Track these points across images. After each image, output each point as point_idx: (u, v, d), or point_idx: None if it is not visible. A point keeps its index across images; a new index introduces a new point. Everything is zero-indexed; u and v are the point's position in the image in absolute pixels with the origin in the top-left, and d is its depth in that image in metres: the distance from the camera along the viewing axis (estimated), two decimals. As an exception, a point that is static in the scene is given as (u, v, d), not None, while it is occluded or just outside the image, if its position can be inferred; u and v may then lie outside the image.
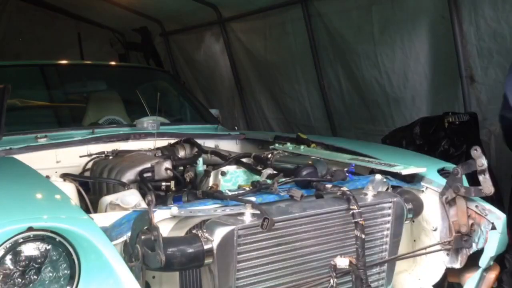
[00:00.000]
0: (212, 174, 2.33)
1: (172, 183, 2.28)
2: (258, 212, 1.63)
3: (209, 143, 2.97)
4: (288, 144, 2.72)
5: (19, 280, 1.47)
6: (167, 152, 2.62)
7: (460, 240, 2.03)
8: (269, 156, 2.42)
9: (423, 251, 2.10)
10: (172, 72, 6.53)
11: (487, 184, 1.93)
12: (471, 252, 2.03)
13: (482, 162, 1.92)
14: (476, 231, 2.01)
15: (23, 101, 3.54)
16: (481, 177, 1.94)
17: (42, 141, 2.65)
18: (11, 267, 1.46)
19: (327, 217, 1.78)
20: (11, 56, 6.66)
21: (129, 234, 1.57)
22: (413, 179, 2.14)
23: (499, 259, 2.11)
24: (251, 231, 1.63)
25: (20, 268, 1.47)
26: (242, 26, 5.57)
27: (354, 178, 2.07)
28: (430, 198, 2.12)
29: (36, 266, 1.49)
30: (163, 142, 2.85)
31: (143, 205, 1.92)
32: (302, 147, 2.64)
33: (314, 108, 4.98)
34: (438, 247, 2.07)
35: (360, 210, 1.75)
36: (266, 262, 1.70)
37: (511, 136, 2.65)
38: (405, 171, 2.06)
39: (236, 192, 1.85)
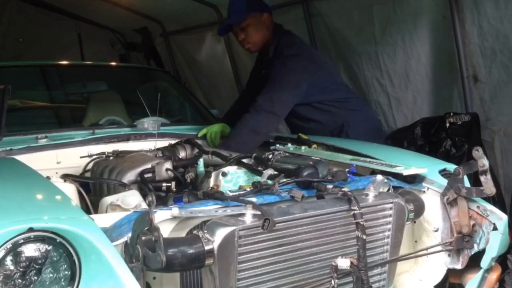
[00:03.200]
0: (213, 174, 2.33)
1: (173, 184, 2.28)
2: (259, 212, 1.63)
3: (209, 144, 2.97)
4: (289, 144, 2.72)
5: (20, 281, 1.47)
6: (168, 153, 2.61)
7: (461, 241, 2.02)
8: (270, 156, 2.41)
9: (425, 252, 2.09)
10: (172, 72, 6.53)
11: (488, 185, 1.92)
12: (472, 253, 2.02)
13: (483, 162, 1.92)
14: (477, 232, 2.01)
15: (23, 101, 3.54)
16: (482, 178, 1.93)
17: (43, 141, 2.65)
18: (12, 268, 1.46)
19: (328, 217, 1.78)
20: (11, 57, 6.66)
21: (129, 235, 1.57)
22: (414, 179, 2.14)
23: (500, 259, 2.11)
24: (252, 231, 1.63)
25: (21, 269, 1.47)
26: (243, 26, 5.55)
27: (355, 179, 2.07)
28: (431, 198, 2.11)
29: (37, 267, 1.49)
30: (163, 143, 2.85)
31: (144, 206, 1.91)
32: (303, 147, 2.64)
33: (315, 108, 4.98)
34: (440, 247, 2.07)
35: (361, 211, 1.75)
36: (267, 263, 1.69)
37: None
38: (406, 171, 2.06)
39: (237, 193, 1.85)
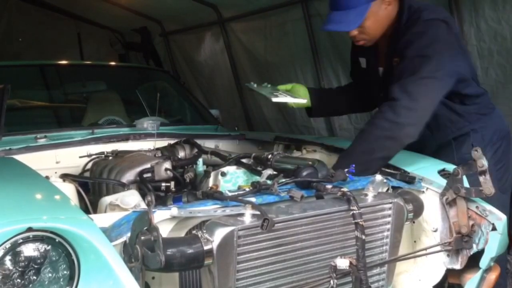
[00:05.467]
0: (212, 174, 2.33)
1: (172, 184, 2.28)
2: (258, 212, 1.63)
3: (209, 144, 2.97)
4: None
5: (19, 280, 1.46)
6: (167, 153, 2.61)
7: (460, 241, 2.02)
8: (269, 156, 2.42)
9: (424, 252, 2.09)
10: (172, 72, 6.53)
11: (487, 185, 1.92)
12: (471, 253, 2.02)
13: (482, 163, 1.92)
14: (476, 232, 2.01)
15: (22, 101, 3.54)
16: (481, 178, 1.93)
17: (42, 141, 2.65)
18: (11, 267, 1.46)
19: (327, 217, 1.78)
20: (11, 56, 6.66)
21: (128, 234, 1.57)
22: (414, 180, 2.14)
23: (499, 260, 2.11)
24: (251, 231, 1.63)
25: (20, 269, 1.47)
26: (242, 26, 5.57)
27: (354, 179, 2.07)
28: (430, 199, 2.11)
29: (36, 266, 1.48)
30: (163, 143, 2.85)
31: (143, 205, 1.91)
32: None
33: (314, 108, 4.97)
34: (439, 248, 2.07)
35: (360, 211, 1.75)
36: (266, 263, 1.69)
37: None
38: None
39: (236, 193, 1.85)
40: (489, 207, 1.99)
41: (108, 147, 2.71)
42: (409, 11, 2.33)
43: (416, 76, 2.17)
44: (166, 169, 2.31)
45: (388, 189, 2.08)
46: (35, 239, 1.46)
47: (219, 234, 1.58)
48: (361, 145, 2.21)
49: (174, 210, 1.66)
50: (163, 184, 2.27)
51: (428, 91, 2.17)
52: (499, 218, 1.96)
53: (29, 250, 1.47)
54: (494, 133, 2.48)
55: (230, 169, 2.32)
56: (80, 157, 2.65)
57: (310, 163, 2.08)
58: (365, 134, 2.24)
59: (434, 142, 2.50)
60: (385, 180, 2.02)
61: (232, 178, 2.29)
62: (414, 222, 2.14)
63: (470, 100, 2.44)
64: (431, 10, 2.33)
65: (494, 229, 1.96)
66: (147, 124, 2.99)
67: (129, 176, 2.29)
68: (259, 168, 2.30)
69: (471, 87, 2.43)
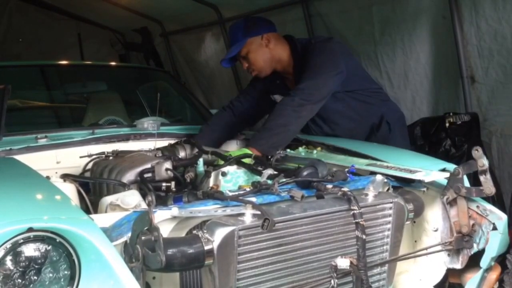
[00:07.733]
0: (213, 174, 2.33)
1: (173, 184, 2.28)
2: (258, 212, 1.63)
3: (209, 144, 2.96)
4: (300, 149, 2.69)
5: (19, 280, 1.47)
6: (168, 153, 2.61)
7: (461, 241, 2.02)
8: (270, 156, 2.41)
9: (424, 251, 2.09)
10: (172, 72, 6.54)
11: (488, 185, 1.92)
12: (472, 252, 2.02)
13: (483, 162, 1.92)
14: (477, 232, 2.01)
15: (23, 101, 3.55)
16: (482, 178, 1.93)
17: (42, 141, 2.65)
18: (11, 267, 1.46)
19: (328, 217, 1.78)
20: (11, 57, 6.67)
21: (129, 234, 1.57)
22: (414, 179, 2.14)
23: (500, 259, 2.11)
24: (251, 231, 1.63)
25: (20, 269, 1.47)
26: (243, 26, 5.56)
27: (354, 179, 2.07)
28: (431, 198, 2.11)
29: (36, 266, 1.49)
30: (163, 143, 2.85)
31: (144, 205, 1.91)
32: (315, 151, 2.62)
33: (314, 108, 4.97)
34: (439, 247, 2.07)
35: (361, 211, 1.75)
36: (266, 263, 1.70)
37: None
38: (428, 177, 1.99)
39: (236, 193, 1.85)
40: (489, 206, 1.99)
41: (108, 147, 2.71)
42: (301, 44, 2.97)
43: (314, 73, 2.79)
44: (167, 169, 2.31)
45: (388, 189, 2.08)
46: (35, 239, 1.47)
47: (220, 234, 1.58)
48: (279, 119, 2.69)
49: (174, 210, 1.66)
50: (164, 184, 2.27)
51: (324, 83, 2.78)
52: (500, 217, 1.96)
53: (30, 250, 1.47)
54: (396, 115, 3.12)
55: (230, 169, 2.32)
56: (81, 157, 2.65)
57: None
58: (281, 111, 2.72)
59: (365, 125, 3.01)
60: (385, 180, 2.02)
61: (233, 178, 2.29)
62: (414, 222, 2.14)
63: (373, 92, 3.04)
64: (319, 37, 3.11)
65: (494, 228, 1.96)
66: (148, 124, 2.99)
67: (130, 176, 2.29)
68: (259, 168, 2.30)
69: (369, 82, 3.10)
